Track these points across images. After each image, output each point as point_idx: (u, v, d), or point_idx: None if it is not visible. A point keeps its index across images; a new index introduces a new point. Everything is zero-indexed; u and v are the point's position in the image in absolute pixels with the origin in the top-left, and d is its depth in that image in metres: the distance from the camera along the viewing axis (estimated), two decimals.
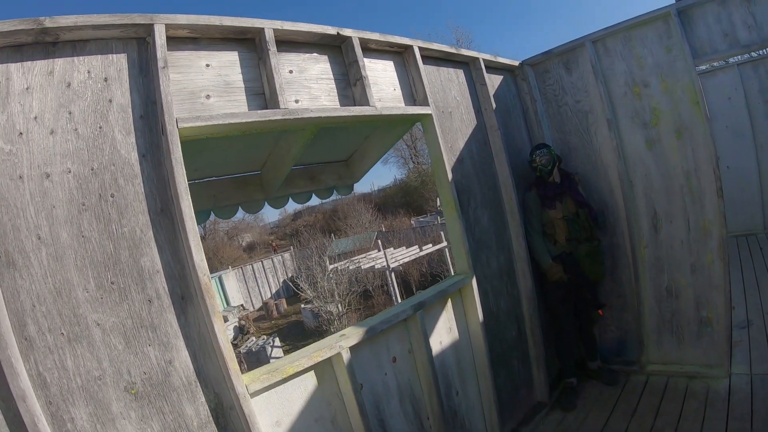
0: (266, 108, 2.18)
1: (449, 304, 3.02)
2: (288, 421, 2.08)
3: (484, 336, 3.04)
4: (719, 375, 3.32)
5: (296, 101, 2.30)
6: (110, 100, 1.78)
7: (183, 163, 1.83)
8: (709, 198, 3.28)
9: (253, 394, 1.92)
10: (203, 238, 38.71)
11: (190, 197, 1.83)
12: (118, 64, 1.82)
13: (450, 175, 3.02)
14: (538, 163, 3.57)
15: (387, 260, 15.57)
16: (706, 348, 3.45)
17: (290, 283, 23.36)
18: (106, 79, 1.78)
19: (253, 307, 25.32)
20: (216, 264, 30.94)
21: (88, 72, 1.75)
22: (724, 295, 3.30)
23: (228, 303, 24.42)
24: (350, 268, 17.63)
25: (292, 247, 28.83)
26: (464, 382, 3.03)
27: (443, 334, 2.94)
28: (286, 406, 2.09)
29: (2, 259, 1.52)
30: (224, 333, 1.82)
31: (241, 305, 24.57)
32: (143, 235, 1.79)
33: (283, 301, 23.53)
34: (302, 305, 19.34)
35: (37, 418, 1.47)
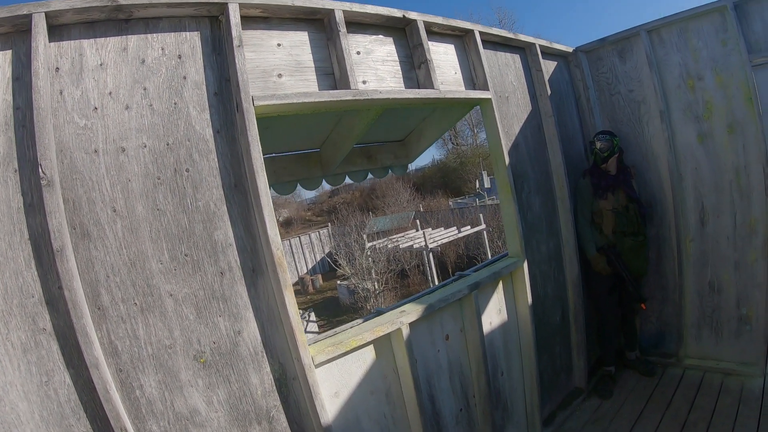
0: (336, 88, 2.20)
1: (500, 285, 3.05)
2: (346, 393, 2.16)
3: (531, 319, 3.07)
4: (755, 374, 3.33)
5: (363, 82, 2.32)
6: (185, 77, 1.80)
7: (259, 140, 1.85)
8: (757, 196, 3.24)
9: (317, 366, 1.98)
10: None
11: (265, 173, 1.86)
12: (191, 41, 1.84)
13: (507, 159, 3.02)
14: (597, 146, 3.51)
15: (426, 240, 15.55)
16: (743, 346, 3.45)
17: (328, 259, 23.64)
18: (179, 57, 1.80)
19: None
20: None
21: (162, 49, 1.77)
22: (766, 294, 3.27)
23: None
24: (388, 246, 17.68)
25: (329, 224, 29.10)
26: (510, 364, 3.07)
27: (493, 315, 2.96)
28: (345, 378, 2.16)
29: (77, 231, 1.57)
30: (294, 306, 1.88)
31: None
32: (217, 210, 1.83)
33: (319, 276, 23.87)
34: (338, 282, 19.56)
35: (108, 384, 1.53)
